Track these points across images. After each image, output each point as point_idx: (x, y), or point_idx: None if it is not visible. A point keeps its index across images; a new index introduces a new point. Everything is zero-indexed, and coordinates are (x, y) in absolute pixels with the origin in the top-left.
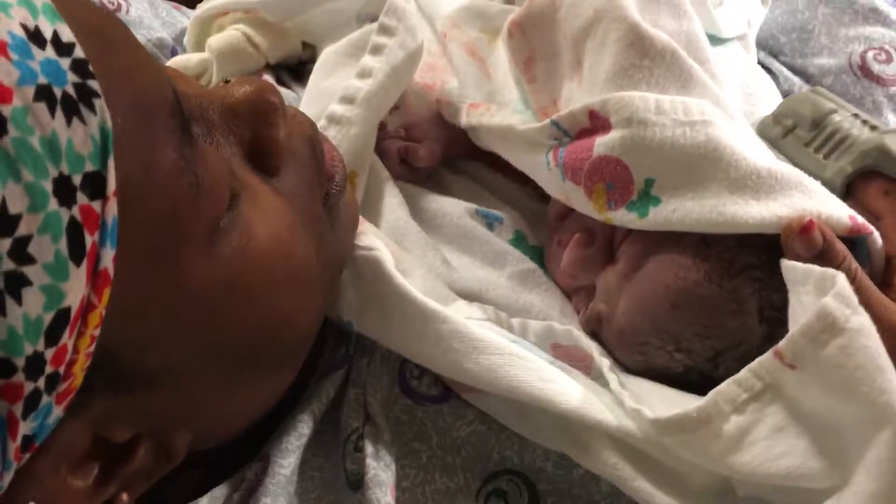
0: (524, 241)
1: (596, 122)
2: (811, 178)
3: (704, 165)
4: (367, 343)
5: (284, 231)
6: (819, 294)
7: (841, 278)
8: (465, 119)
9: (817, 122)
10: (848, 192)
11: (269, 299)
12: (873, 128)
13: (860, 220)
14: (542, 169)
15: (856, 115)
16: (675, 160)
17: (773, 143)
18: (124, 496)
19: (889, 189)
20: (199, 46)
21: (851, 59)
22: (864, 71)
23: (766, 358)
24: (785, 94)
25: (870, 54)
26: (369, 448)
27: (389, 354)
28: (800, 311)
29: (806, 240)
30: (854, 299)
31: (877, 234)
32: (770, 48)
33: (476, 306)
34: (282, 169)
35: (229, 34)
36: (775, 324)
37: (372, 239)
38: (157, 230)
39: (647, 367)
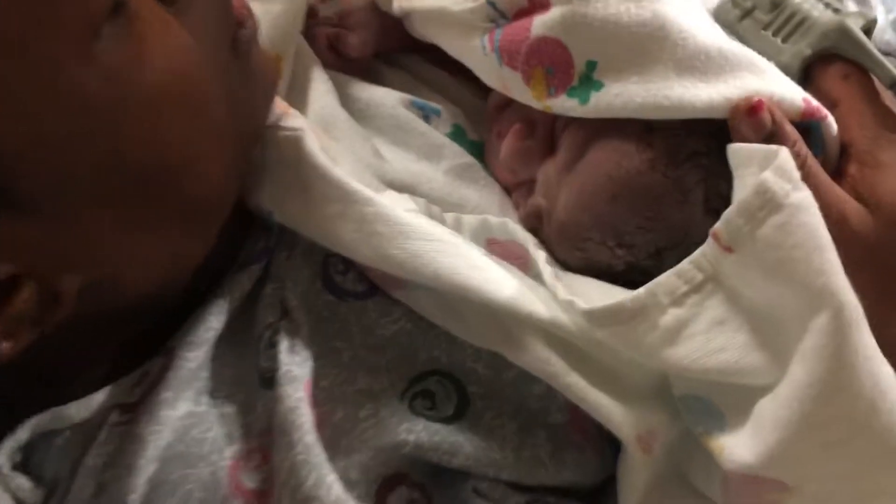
0: (463, 134)
1: (535, 0)
2: (764, 59)
3: (649, 45)
4: (289, 237)
5: (186, 64)
6: (761, 169)
7: (784, 152)
8: (397, 3)
9: (776, 3)
10: (806, 77)
11: (163, 129)
12: (835, 11)
13: (814, 103)
14: (478, 55)
15: None
16: (619, 40)
17: (731, 28)
18: (5, 344)
19: (848, 73)
20: None
21: None
22: None
23: (707, 245)
24: None
25: None
26: (284, 343)
27: (313, 248)
28: (740, 190)
29: (754, 121)
30: (796, 174)
31: (831, 119)
32: None
33: (407, 197)
34: None
35: None
36: (720, 215)
37: (296, 120)
38: (22, 16)
39: (588, 264)
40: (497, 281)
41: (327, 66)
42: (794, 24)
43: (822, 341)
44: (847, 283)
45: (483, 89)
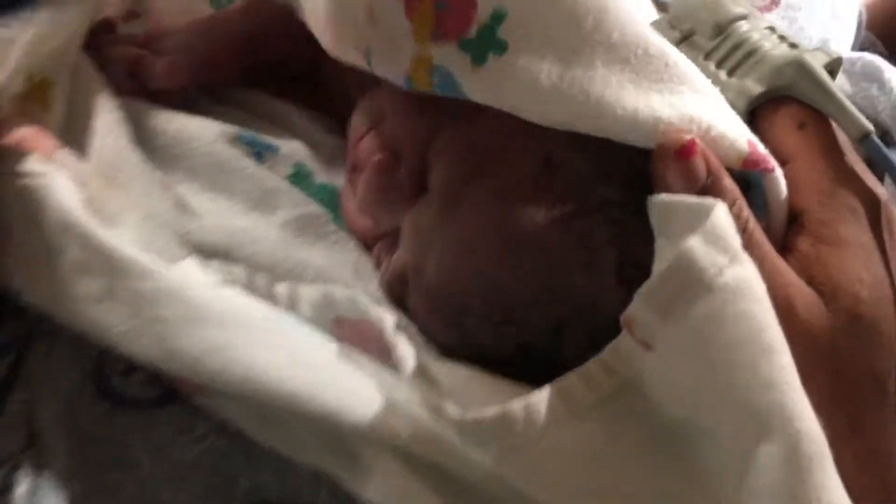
0: (308, 177)
1: None
2: (708, 81)
3: (581, 14)
4: (47, 322)
5: None
6: (687, 232)
7: (718, 211)
8: None
9: (721, 28)
10: (751, 122)
11: None
12: (792, 45)
13: (761, 149)
14: None
15: (771, 29)
16: None
17: None
18: None
19: (805, 120)
20: None
21: None
22: None
23: (621, 342)
24: None
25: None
26: (22, 486)
27: (83, 338)
28: (662, 261)
29: (683, 167)
30: (735, 242)
31: (779, 174)
32: None
33: (217, 266)
34: None
35: None
36: (636, 287)
37: (41, 163)
38: None
39: (467, 345)
40: (340, 386)
41: (122, 94)
42: (742, 56)
43: (771, 481)
44: (806, 401)
45: (339, 123)
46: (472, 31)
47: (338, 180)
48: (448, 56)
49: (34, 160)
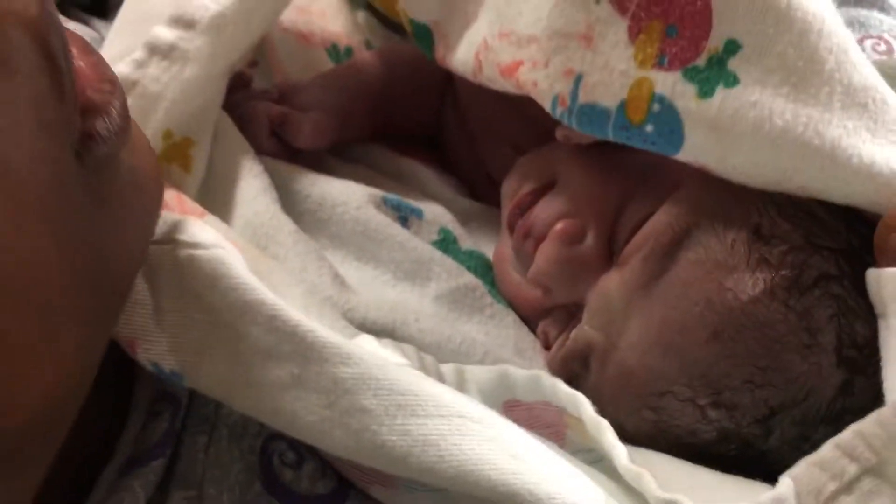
0: (455, 243)
1: None
2: None
3: (823, 51)
4: (205, 409)
5: None
6: None
7: None
8: None
9: None
10: None
11: None
12: None
13: None
14: None
15: None
16: (786, 26)
17: None
18: None
19: None
20: None
21: None
22: None
23: (865, 427)
24: None
25: (868, 43)
26: None
27: (246, 426)
28: None
29: None
30: None
31: None
32: None
33: (389, 344)
34: None
35: None
36: (855, 369)
37: (207, 232)
38: None
39: (660, 430)
40: (563, 481)
41: (261, 151)
42: None
43: None
44: None
45: (473, 188)
46: (702, 60)
47: (482, 246)
48: (671, 85)
49: (200, 227)
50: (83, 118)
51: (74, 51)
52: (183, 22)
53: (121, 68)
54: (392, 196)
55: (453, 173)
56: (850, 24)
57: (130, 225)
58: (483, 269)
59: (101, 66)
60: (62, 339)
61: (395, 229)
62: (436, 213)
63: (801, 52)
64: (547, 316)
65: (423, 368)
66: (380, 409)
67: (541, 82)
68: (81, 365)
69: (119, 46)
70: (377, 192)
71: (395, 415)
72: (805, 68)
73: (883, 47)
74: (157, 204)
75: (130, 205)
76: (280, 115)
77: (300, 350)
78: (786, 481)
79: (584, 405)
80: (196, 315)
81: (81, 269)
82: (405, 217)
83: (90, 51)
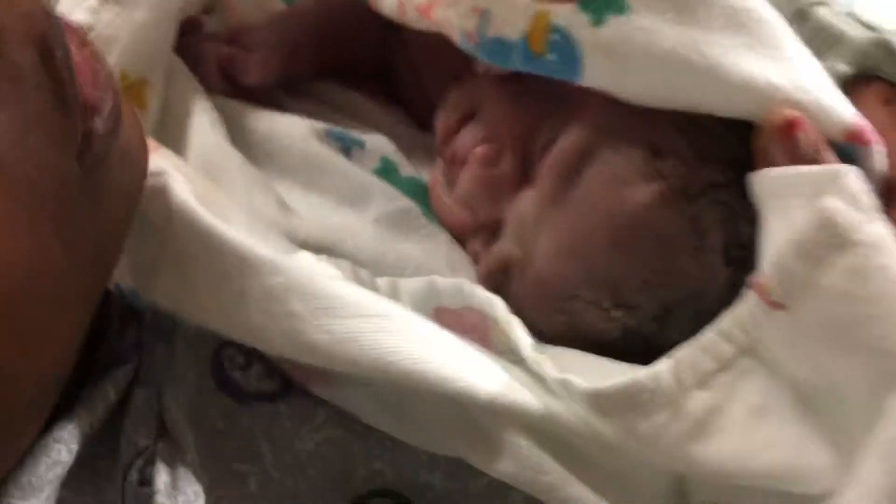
0: (394, 170)
1: None
2: (812, 56)
3: None
4: (164, 321)
5: None
6: (816, 197)
7: (851, 174)
8: None
9: (803, 14)
10: None
11: None
12: (870, 28)
13: (865, 124)
14: None
15: (848, 13)
16: None
17: None
18: None
19: (891, 97)
20: None
21: None
22: None
23: (744, 305)
24: None
25: None
26: (162, 477)
27: (200, 335)
28: (783, 231)
29: (789, 143)
30: (870, 202)
31: (881, 148)
32: None
33: (325, 261)
34: None
35: None
36: (741, 266)
37: (158, 161)
38: None
39: (572, 330)
40: (470, 366)
41: (212, 92)
42: (825, 38)
43: None
44: None
45: (417, 116)
46: None
47: (421, 172)
48: (568, 15)
49: (155, 159)
50: (82, 117)
51: (72, 46)
52: None
53: (78, 15)
54: (335, 129)
55: (401, 105)
56: None
57: (122, 203)
58: (421, 194)
59: (95, 59)
60: (65, 320)
61: (338, 160)
62: (377, 143)
63: None
64: (475, 235)
65: (358, 280)
66: (306, 312)
67: (452, 19)
68: (79, 332)
69: None
70: (321, 126)
71: (320, 316)
72: None
73: None
74: (144, 173)
75: (121, 183)
76: (228, 55)
77: (237, 264)
78: (666, 360)
79: (497, 305)
80: (147, 238)
81: (83, 260)
82: (347, 148)
83: (85, 42)
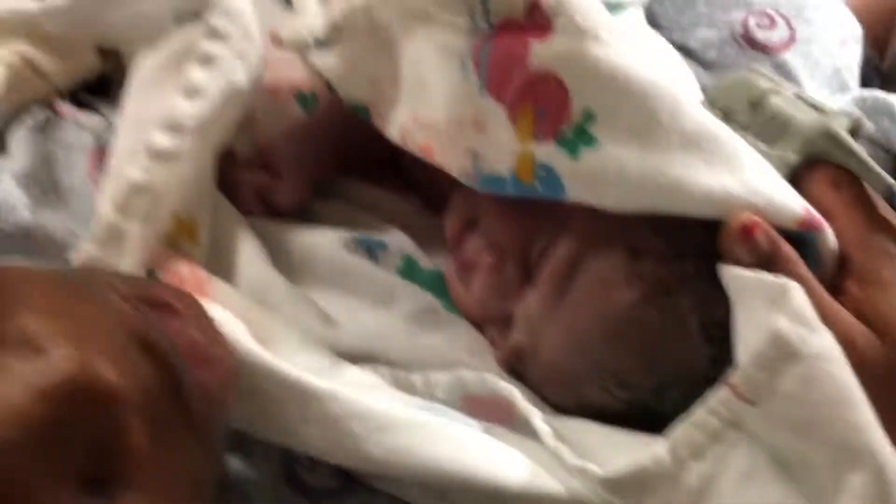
0: (415, 266)
1: (535, 18)
2: (763, 159)
3: (659, 109)
4: (242, 438)
5: None
6: (770, 308)
7: (795, 291)
8: (342, 7)
9: (755, 104)
10: (791, 183)
11: None
12: (817, 108)
13: (814, 212)
14: (453, 75)
15: (797, 96)
16: (627, 95)
17: None
18: None
19: (839, 180)
20: None
21: (733, 28)
22: (748, 40)
23: (722, 392)
24: None
25: (752, 21)
26: None
27: (271, 445)
28: (750, 330)
29: (749, 243)
30: (812, 316)
31: (829, 231)
32: (648, 18)
33: (370, 370)
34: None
35: (4, 60)
36: (720, 342)
37: (216, 311)
38: None
39: (581, 405)
40: (500, 461)
41: (249, 214)
42: (777, 127)
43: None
44: (885, 439)
45: (431, 204)
46: (567, 128)
47: (438, 261)
48: (547, 152)
49: (213, 307)
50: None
51: (188, 321)
52: (173, 127)
53: (132, 174)
54: (361, 236)
55: (415, 188)
56: (737, 4)
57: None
58: (440, 285)
59: (207, 342)
60: None
61: (366, 266)
62: (398, 242)
63: (641, 112)
64: (490, 323)
65: (397, 382)
66: (363, 431)
67: (450, 160)
68: None
69: (126, 146)
70: (348, 235)
71: (373, 433)
72: (647, 124)
73: (766, 22)
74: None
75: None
76: (262, 185)
77: (297, 395)
78: (663, 442)
79: (515, 397)
80: None
81: None
82: (373, 251)
83: (177, 312)
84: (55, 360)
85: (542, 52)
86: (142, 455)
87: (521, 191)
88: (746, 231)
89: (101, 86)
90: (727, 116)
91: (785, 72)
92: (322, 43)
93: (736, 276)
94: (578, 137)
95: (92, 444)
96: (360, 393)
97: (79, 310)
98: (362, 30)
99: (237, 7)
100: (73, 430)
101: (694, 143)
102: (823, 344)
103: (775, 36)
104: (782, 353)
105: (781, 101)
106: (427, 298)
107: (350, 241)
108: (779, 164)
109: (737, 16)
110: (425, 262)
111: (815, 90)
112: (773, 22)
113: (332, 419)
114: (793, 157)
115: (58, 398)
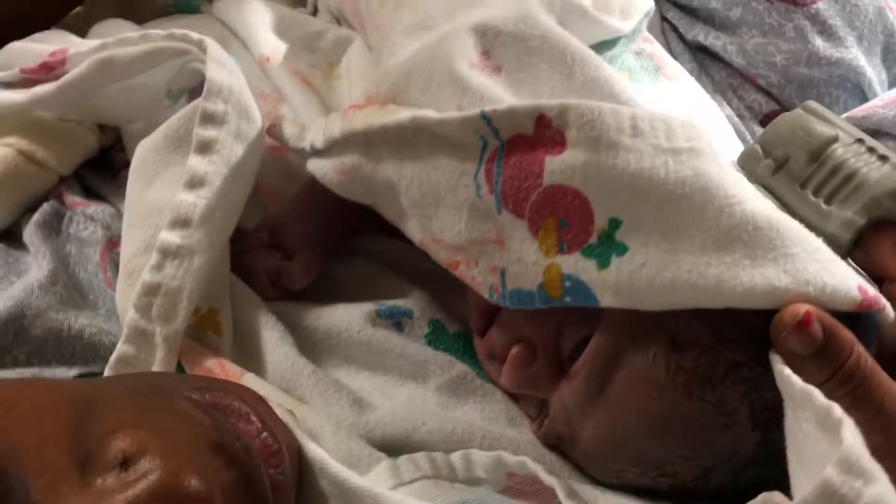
0: (443, 332)
1: (544, 131)
2: (813, 235)
3: (688, 209)
4: None
5: None
6: (821, 431)
7: (847, 432)
8: (341, 128)
9: (816, 156)
10: (854, 244)
11: None
12: (882, 157)
13: (871, 292)
14: (465, 196)
15: (860, 142)
16: (652, 199)
17: (760, 181)
18: None
19: None
20: None
21: None
22: None
23: None
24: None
25: None
26: None
27: None
28: (800, 440)
29: (804, 336)
30: (865, 462)
31: (889, 310)
32: None
33: (405, 463)
34: None
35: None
36: (770, 426)
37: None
38: None
39: (624, 487)
40: None
41: (266, 297)
42: (840, 182)
43: None
44: None
45: None
46: (594, 239)
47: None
48: (575, 264)
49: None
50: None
51: (253, 419)
52: (180, 223)
53: (146, 275)
54: (384, 306)
55: None
56: None
57: None
58: (470, 349)
59: (270, 437)
60: None
61: (393, 340)
62: (423, 307)
63: (670, 214)
64: (525, 397)
65: (434, 469)
66: None
67: (476, 277)
68: None
69: (137, 243)
70: (371, 307)
71: None
72: (678, 226)
73: None
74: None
75: None
76: (275, 269)
77: (342, 494)
78: None
79: (558, 489)
80: None
81: None
82: (399, 322)
83: (264, 420)
84: (148, 474)
85: (557, 168)
86: None
87: (551, 304)
88: (801, 325)
89: (101, 158)
90: (783, 167)
91: (820, 22)
92: (319, 152)
93: (787, 381)
94: (606, 245)
95: None
96: (399, 496)
97: (160, 423)
98: (359, 146)
99: (229, 85)
100: None
101: (733, 238)
102: (878, 492)
103: None
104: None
105: (843, 150)
106: (458, 368)
107: (374, 314)
108: (843, 228)
109: None
110: (451, 324)
111: (854, 42)
112: None
113: None
114: (859, 220)
115: None
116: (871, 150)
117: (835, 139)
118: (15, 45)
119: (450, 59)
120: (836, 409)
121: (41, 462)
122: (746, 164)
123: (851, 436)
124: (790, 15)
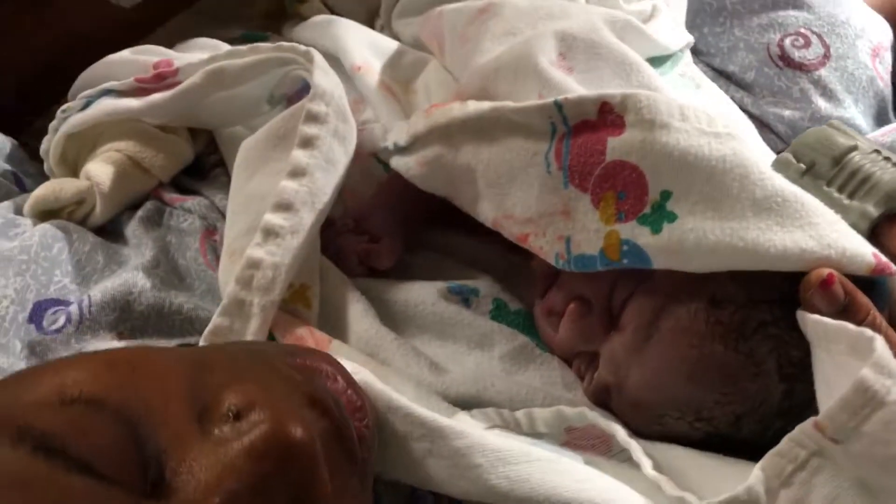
0: (505, 308)
1: (606, 116)
2: (832, 211)
3: (728, 182)
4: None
5: None
6: (854, 356)
7: (879, 343)
8: (425, 123)
9: (838, 161)
10: (871, 234)
11: None
12: (894, 163)
13: (883, 258)
14: (537, 172)
15: (877, 152)
16: (697, 173)
17: (792, 182)
18: None
19: None
20: (67, 163)
21: (770, 49)
22: (785, 60)
23: (807, 427)
24: None
25: (787, 41)
26: None
27: (395, 486)
28: (832, 372)
29: (827, 295)
30: (894, 367)
31: None
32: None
33: (479, 414)
34: None
35: (111, 159)
36: (794, 380)
37: (347, 363)
38: None
39: (665, 435)
40: (614, 493)
41: (353, 275)
42: (858, 182)
43: None
44: None
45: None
46: (648, 209)
47: (523, 300)
48: (631, 230)
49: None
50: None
51: (338, 379)
52: (283, 206)
53: (250, 252)
54: (454, 284)
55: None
56: (771, 26)
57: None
58: (529, 324)
59: (354, 394)
60: None
61: (462, 313)
62: (488, 287)
63: (713, 186)
64: (578, 357)
65: (503, 421)
66: (487, 463)
67: (544, 246)
68: None
69: (238, 225)
70: (443, 285)
71: (497, 465)
72: (719, 196)
73: (801, 41)
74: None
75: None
76: (364, 250)
77: (429, 433)
78: (755, 472)
79: (617, 431)
80: None
81: None
82: (467, 298)
83: (348, 380)
84: (259, 424)
85: (617, 146)
86: (329, 500)
87: (610, 266)
88: (825, 284)
89: (195, 165)
90: (810, 169)
91: (822, 86)
92: (402, 149)
93: (817, 323)
94: (659, 214)
95: (293, 493)
96: (482, 431)
97: (266, 379)
98: (441, 137)
99: (331, 90)
100: (279, 482)
101: (765, 207)
102: None
103: (811, 54)
104: (867, 399)
105: (861, 157)
106: (520, 339)
107: (446, 290)
108: (860, 219)
109: (772, 37)
110: (513, 302)
111: (851, 104)
112: (807, 41)
113: (458, 454)
114: (874, 211)
115: (265, 456)
116: (886, 158)
117: (854, 148)
118: (113, 58)
119: (534, 57)
120: (868, 330)
121: (167, 415)
122: (779, 169)
123: (883, 347)
124: (796, 79)
